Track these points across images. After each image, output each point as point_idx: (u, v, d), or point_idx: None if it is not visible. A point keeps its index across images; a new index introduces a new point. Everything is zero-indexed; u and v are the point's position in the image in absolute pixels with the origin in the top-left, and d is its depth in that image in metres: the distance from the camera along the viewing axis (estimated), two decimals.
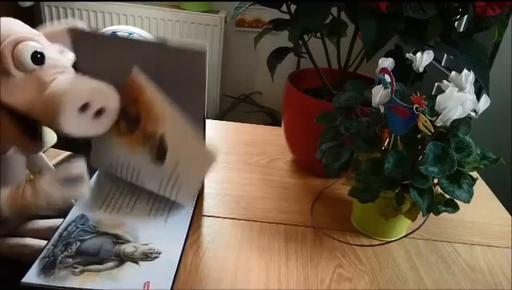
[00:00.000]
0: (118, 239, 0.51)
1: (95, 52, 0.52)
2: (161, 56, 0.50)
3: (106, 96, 0.47)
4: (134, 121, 0.54)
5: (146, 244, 0.51)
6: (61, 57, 0.48)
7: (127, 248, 0.50)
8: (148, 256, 0.49)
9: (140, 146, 0.55)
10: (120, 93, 0.50)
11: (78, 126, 0.45)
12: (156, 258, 0.49)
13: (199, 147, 0.52)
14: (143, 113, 0.53)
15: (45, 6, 1.89)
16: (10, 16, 0.47)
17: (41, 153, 0.60)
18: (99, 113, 0.47)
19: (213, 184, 0.67)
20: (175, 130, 0.52)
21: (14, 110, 0.45)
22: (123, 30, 1.76)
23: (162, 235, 0.53)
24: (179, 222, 0.55)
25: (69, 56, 0.50)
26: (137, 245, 0.50)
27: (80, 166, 0.48)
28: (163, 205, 0.58)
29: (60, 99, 0.43)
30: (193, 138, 0.52)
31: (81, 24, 0.51)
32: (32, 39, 0.44)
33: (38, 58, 0.44)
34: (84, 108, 0.45)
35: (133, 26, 1.88)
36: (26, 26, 0.47)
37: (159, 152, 0.54)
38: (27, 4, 1.80)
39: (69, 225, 0.52)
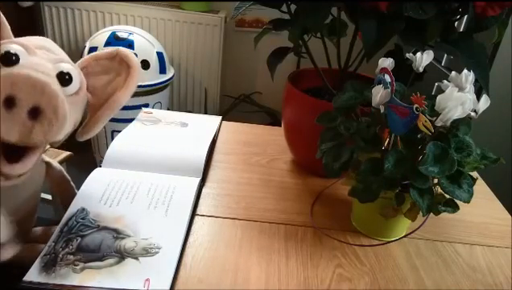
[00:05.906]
0: (119, 234, 0.51)
1: None
2: None
3: (39, 92, 0.38)
4: None
5: (146, 239, 0.51)
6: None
7: (128, 243, 0.50)
8: (148, 251, 0.49)
9: None
10: None
11: (6, 125, 0.38)
12: (156, 253, 0.49)
13: None
14: None
15: (45, 6, 1.89)
16: (10, 16, 0.46)
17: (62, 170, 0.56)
18: (35, 114, 0.39)
19: (213, 184, 0.67)
20: None
21: None
22: (123, 30, 1.76)
23: (161, 228, 0.53)
24: (179, 214, 0.55)
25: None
26: (137, 239, 0.50)
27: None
28: (162, 196, 0.58)
29: None
30: None
31: None
32: None
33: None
34: (10, 104, 0.38)
35: (133, 26, 1.88)
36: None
37: None
38: (27, 4, 1.80)
39: (70, 219, 0.52)
